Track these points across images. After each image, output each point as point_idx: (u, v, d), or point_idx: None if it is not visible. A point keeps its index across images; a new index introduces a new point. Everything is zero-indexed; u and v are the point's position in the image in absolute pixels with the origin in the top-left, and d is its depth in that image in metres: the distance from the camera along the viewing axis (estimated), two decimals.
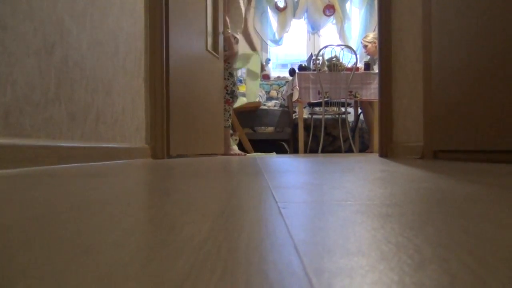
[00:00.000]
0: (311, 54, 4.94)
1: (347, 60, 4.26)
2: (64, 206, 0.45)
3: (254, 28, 5.56)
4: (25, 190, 0.62)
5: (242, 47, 5.08)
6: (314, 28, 5.61)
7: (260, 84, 5.27)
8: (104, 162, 1.69)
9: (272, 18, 5.61)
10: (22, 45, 1.21)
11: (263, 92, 5.14)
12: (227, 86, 3.45)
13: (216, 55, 3.26)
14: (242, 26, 3.66)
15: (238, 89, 3.96)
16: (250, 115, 4.58)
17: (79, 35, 1.56)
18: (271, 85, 5.30)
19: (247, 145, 4.26)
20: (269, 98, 5.12)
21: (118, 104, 1.94)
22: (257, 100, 4.77)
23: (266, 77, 5.45)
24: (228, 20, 3.42)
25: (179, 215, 0.39)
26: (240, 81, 5.13)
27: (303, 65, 4.59)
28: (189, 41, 2.76)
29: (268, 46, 5.66)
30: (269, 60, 5.62)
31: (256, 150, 4.41)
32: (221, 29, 3.36)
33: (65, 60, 1.46)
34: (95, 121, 1.70)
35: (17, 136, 1.18)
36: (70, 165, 1.42)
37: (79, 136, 1.56)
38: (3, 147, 1.09)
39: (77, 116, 1.54)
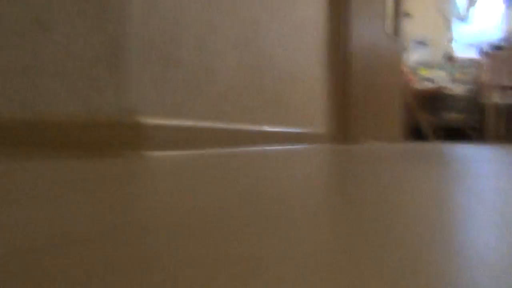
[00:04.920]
0: (508, 31, 4.39)
1: None
2: (270, 184, 0.53)
3: (437, 6, 5.18)
4: (228, 168, 0.73)
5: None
6: None
7: (444, 66, 4.91)
8: (289, 146, 1.83)
9: None
10: (226, 41, 1.39)
11: (447, 75, 4.78)
12: None
13: (396, 38, 3.16)
14: None
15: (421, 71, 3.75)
16: (432, 100, 4.32)
17: (271, 29, 1.71)
18: (456, 67, 4.89)
19: (428, 132, 4.03)
20: (454, 81, 4.73)
21: (301, 91, 2.06)
22: (439, 83, 4.47)
23: (451, 58, 5.05)
24: None
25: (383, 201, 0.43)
26: (421, 64, 4.86)
27: (497, 44, 4.11)
28: (369, 25, 2.74)
29: (453, 24, 5.21)
30: (454, 40, 5.17)
31: (438, 137, 4.15)
32: (402, 10, 3.23)
33: (259, 53, 1.62)
34: (282, 108, 1.84)
35: (221, 120, 1.37)
36: (261, 147, 1.58)
37: (269, 121, 1.72)
38: (212, 129, 1.27)
39: (267, 103, 1.70)
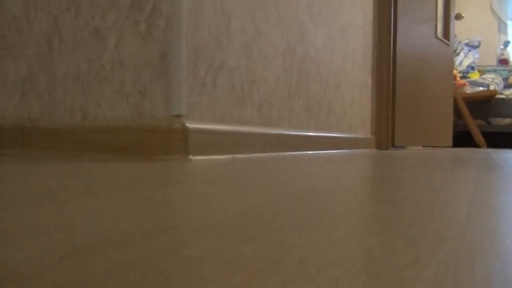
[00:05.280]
0: None
1: None
2: (314, 188, 0.54)
3: (491, 7, 4.98)
4: (274, 172, 0.75)
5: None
6: None
7: (497, 70, 4.72)
8: (333, 151, 1.82)
9: None
10: (272, 47, 1.40)
11: (500, 79, 4.59)
12: None
13: (447, 41, 3.07)
14: None
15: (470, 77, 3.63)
16: (484, 105, 4.16)
17: (315, 34, 1.71)
18: (510, 71, 4.68)
19: (479, 138, 3.89)
20: (508, 86, 4.54)
21: (346, 96, 2.04)
22: (492, 88, 4.30)
23: (505, 62, 4.84)
24: None
25: (431, 204, 0.43)
26: (472, 68, 4.69)
27: None
28: (417, 29, 2.68)
29: (508, 26, 5.00)
30: (509, 42, 4.96)
31: (490, 144, 3.99)
32: (453, 12, 3.14)
33: (304, 58, 1.62)
34: (326, 113, 1.83)
35: (266, 126, 1.38)
36: (304, 152, 1.58)
37: (313, 126, 1.72)
38: (258, 134, 1.29)
39: (312, 108, 1.70)
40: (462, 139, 4.14)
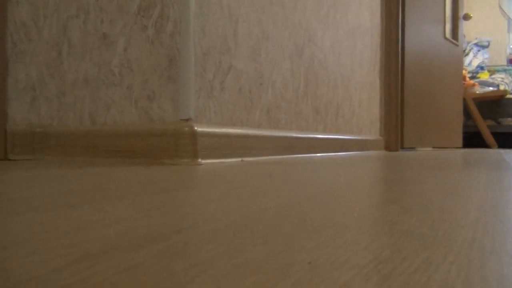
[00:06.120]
0: None
1: None
2: (324, 191, 0.53)
3: (500, 6, 4.94)
4: (282, 175, 0.74)
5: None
6: None
7: (506, 69, 4.67)
8: (341, 153, 1.81)
9: None
10: (279, 50, 1.40)
11: (510, 78, 4.54)
12: None
13: (455, 42, 3.05)
14: None
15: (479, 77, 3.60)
16: (494, 105, 4.12)
17: (323, 36, 1.71)
18: None
19: (489, 139, 3.85)
20: None
21: (355, 98, 2.04)
22: (502, 88, 4.26)
23: None
24: None
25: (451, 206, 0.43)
26: (482, 68, 4.65)
27: None
28: (425, 30, 2.67)
29: None
30: None
31: (500, 144, 3.95)
32: (462, 12, 3.12)
33: (311, 61, 1.62)
34: (335, 115, 1.83)
35: (275, 128, 1.38)
36: (313, 154, 1.57)
37: (322, 128, 1.71)
38: (266, 137, 1.29)
39: (320, 110, 1.70)
40: (472, 139, 4.10)
